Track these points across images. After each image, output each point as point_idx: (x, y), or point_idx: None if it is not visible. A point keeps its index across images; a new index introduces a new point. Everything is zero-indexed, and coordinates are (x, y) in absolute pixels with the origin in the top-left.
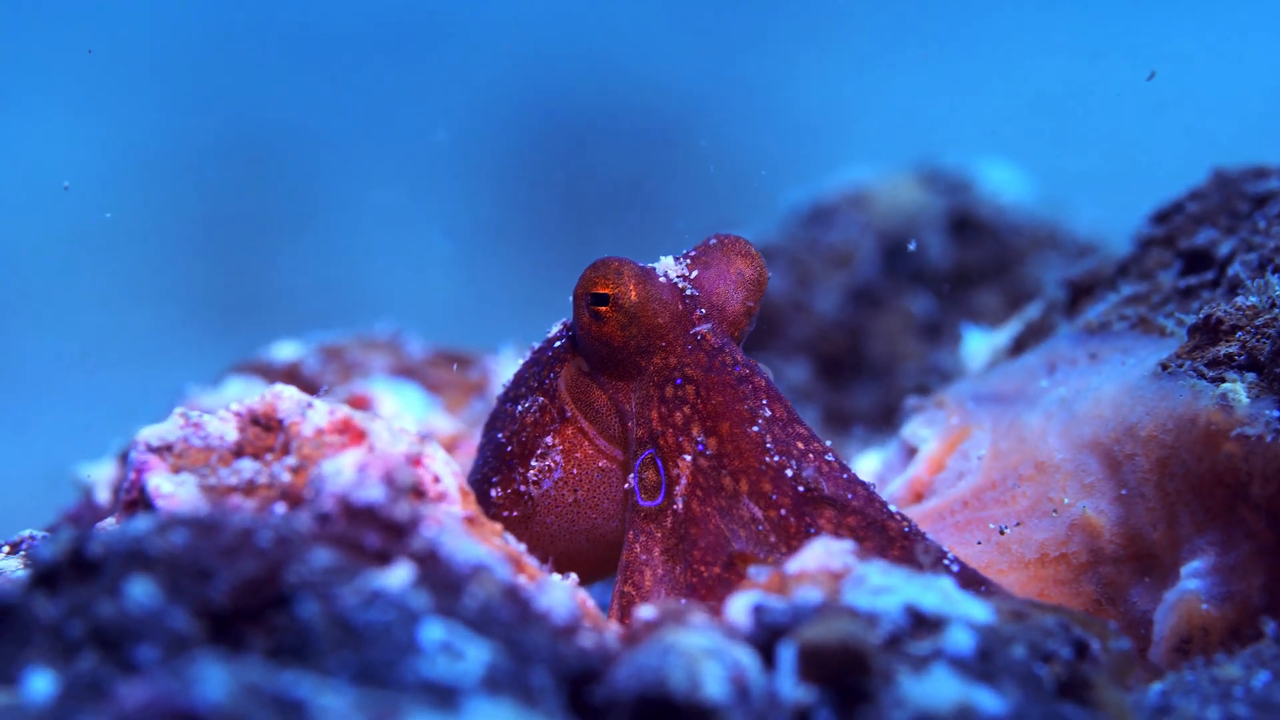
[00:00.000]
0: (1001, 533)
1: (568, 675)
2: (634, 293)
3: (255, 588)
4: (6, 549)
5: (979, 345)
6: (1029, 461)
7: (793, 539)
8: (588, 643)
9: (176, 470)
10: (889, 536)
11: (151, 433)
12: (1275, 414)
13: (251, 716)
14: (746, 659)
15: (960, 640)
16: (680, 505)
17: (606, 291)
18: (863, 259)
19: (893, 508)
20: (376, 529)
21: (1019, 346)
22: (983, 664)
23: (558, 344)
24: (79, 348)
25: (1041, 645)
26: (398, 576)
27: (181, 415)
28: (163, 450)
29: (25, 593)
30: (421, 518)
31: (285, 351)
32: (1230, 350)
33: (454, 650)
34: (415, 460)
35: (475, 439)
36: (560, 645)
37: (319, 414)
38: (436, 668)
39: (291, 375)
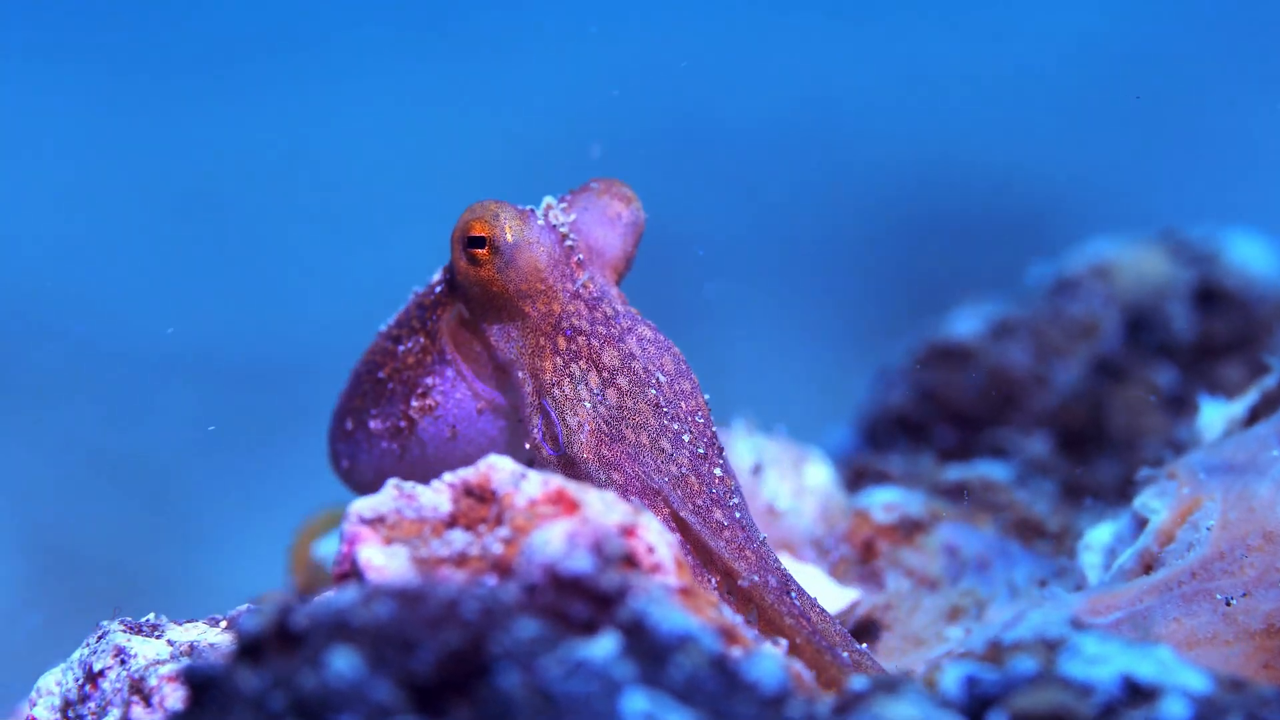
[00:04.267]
0: (1228, 604)
1: None
2: (510, 234)
3: (459, 658)
4: (224, 623)
5: (1215, 415)
6: (1257, 531)
7: (695, 497)
8: (796, 713)
9: (389, 542)
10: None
11: (364, 504)
12: None
13: None
14: None
15: (1175, 710)
16: (590, 455)
17: (483, 234)
18: (1106, 331)
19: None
20: (583, 599)
21: (1254, 416)
22: None
23: (438, 288)
24: None
25: (1259, 715)
26: (602, 646)
27: (395, 487)
28: (375, 522)
29: (229, 664)
30: (630, 587)
31: None
32: None
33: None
34: (629, 531)
35: None
36: (768, 715)
37: (532, 485)
38: None
39: None
